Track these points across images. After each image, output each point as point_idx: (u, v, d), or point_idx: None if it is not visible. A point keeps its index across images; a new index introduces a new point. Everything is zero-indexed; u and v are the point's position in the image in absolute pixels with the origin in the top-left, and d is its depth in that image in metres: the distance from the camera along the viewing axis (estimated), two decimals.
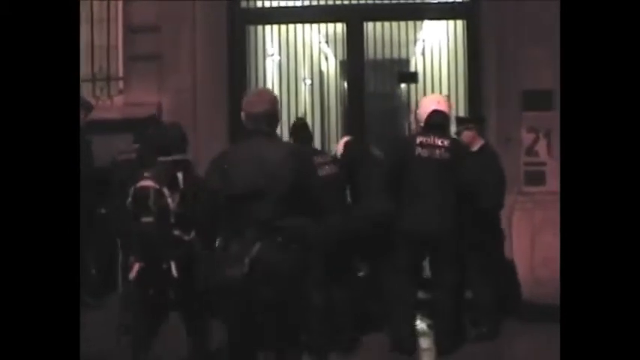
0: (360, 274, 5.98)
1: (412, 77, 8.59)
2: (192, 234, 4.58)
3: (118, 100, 8.05)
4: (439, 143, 5.70)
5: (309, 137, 6.45)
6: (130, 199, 4.60)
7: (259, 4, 8.35)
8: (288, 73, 8.42)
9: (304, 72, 9.24)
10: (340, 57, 9.81)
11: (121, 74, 8.12)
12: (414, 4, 8.27)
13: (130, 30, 7.95)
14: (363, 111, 8.23)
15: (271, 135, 4.15)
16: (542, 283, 6.70)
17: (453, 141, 5.94)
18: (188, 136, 6.78)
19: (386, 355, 5.68)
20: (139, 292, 4.61)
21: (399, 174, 5.71)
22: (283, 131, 5.89)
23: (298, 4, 8.49)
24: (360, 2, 8.24)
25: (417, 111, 6.10)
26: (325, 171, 5.65)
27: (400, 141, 6.66)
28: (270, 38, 8.78)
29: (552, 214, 6.76)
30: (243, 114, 4.16)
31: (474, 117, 7.12)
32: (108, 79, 8.10)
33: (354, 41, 8.17)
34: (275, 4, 8.41)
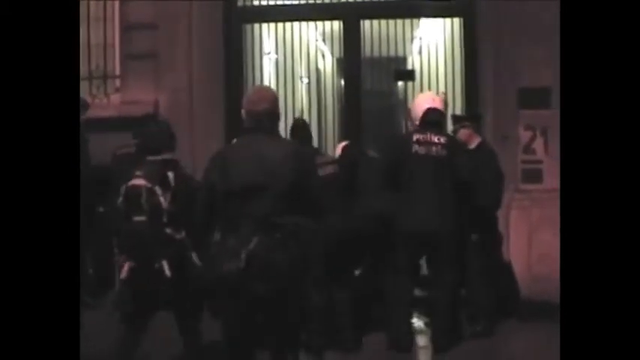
0: (357, 272, 5.97)
1: (409, 75, 8.59)
2: (183, 233, 4.57)
3: (115, 98, 8.04)
4: (436, 140, 5.70)
5: (309, 137, 6.45)
6: (121, 198, 4.58)
7: (256, 2, 8.34)
8: (285, 71, 8.42)
9: (301, 70, 9.24)
10: (337, 55, 9.82)
11: (117, 72, 8.11)
12: (411, 1, 8.24)
13: (126, 28, 7.94)
14: (360, 109, 8.24)
15: (272, 133, 4.15)
16: (540, 281, 6.71)
17: (450, 138, 5.95)
18: (181, 135, 6.84)
19: (383, 353, 5.68)
20: (130, 291, 4.59)
21: (396, 172, 5.71)
22: (280, 129, 5.87)
23: (295, 2, 8.47)
24: (357, 0, 8.24)
25: (412, 109, 6.10)
26: (325, 171, 5.65)
27: (397, 139, 6.67)
28: (267, 36, 8.77)
29: (549, 211, 6.78)
30: (243, 112, 4.15)
31: (470, 115, 7.12)
32: (104, 77, 8.09)
33: (351, 39, 8.17)
34: (272, 2, 8.41)
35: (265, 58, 8.85)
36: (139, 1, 7.87)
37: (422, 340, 5.96)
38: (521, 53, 7.38)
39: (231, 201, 3.93)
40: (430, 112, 5.82)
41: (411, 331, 5.89)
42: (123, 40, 8.03)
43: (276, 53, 8.87)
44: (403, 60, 10.33)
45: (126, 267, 4.53)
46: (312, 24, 8.90)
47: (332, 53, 11.05)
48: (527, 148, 7.52)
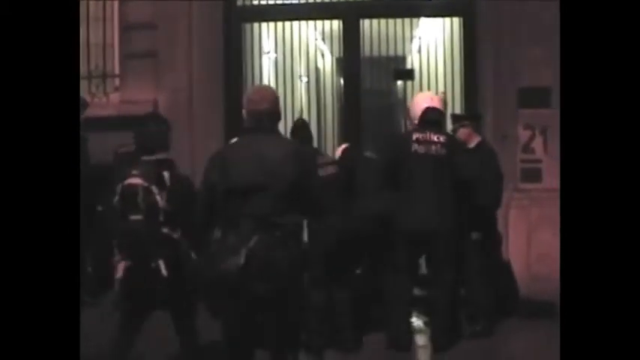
0: (357, 271, 5.97)
1: (408, 74, 8.59)
2: (179, 232, 4.56)
3: (114, 97, 8.04)
4: (435, 139, 5.70)
5: (309, 137, 6.45)
6: (117, 197, 4.56)
7: (255, 1, 8.34)
8: (284, 70, 8.42)
9: (300, 69, 9.24)
10: (336, 54, 9.82)
11: (116, 72, 8.11)
12: (411, 1, 8.25)
13: (125, 28, 7.94)
14: (360, 108, 8.24)
15: (273, 132, 4.16)
16: (539, 280, 6.71)
17: (449, 137, 5.95)
18: (181, 134, 6.85)
19: (383, 352, 5.68)
20: (126, 291, 4.58)
21: (396, 171, 5.71)
22: (279, 129, 5.88)
23: (294, 1, 8.47)
24: None
25: (411, 109, 6.10)
26: (326, 171, 5.66)
27: (396, 138, 6.67)
28: (267, 35, 8.77)
29: (548, 211, 6.78)
30: (244, 111, 4.15)
31: (470, 114, 7.12)
32: (104, 76, 8.10)
33: (351, 38, 8.16)
34: (271, 1, 8.40)
35: (265, 58, 8.85)
36: (138, 0, 7.86)
37: (421, 340, 5.97)
38: (521, 53, 7.38)
39: (232, 200, 3.93)
40: (429, 111, 5.82)
41: (410, 331, 5.90)
42: (122, 40, 8.03)
43: (276, 52, 8.87)
44: (403, 59, 10.32)
45: (122, 266, 4.52)
46: (311, 23, 8.90)
47: (331, 52, 11.04)
48: (527, 148, 7.52)
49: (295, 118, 7.92)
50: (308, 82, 9.58)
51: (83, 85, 7.66)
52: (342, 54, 8.42)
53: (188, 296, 4.64)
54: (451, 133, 6.25)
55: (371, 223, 5.65)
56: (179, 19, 7.79)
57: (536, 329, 5.84)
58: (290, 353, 4.06)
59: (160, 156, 4.67)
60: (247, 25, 8.38)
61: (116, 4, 8.04)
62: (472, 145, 6.27)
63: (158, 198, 4.50)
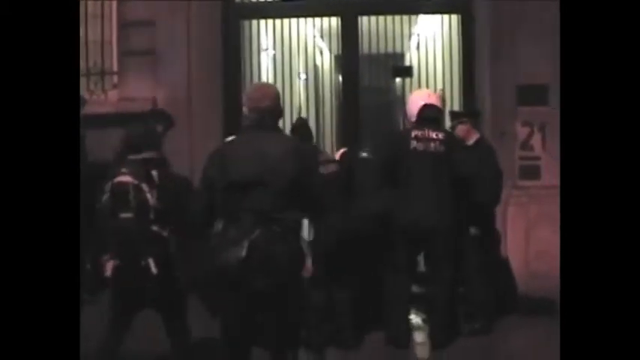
0: (358, 269, 5.92)
1: (407, 71, 8.58)
2: (169, 231, 4.55)
3: (112, 94, 8.04)
4: (434, 136, 5.70)
5: (310, 136, 6.44)
6: (107, 195, 4.55)
7: None
8: (282, 67, 8.41)
9: (299, 66, 9.22)
10: (335, 51, 9.81)
11: (115, 69, 8.11)
12: None
13: (124, 25, 7.93)
14: (358, 105, 8.24)
15: (274, 129, 4.16)
16: (538, 277, 6.72)
17: (448, 134, 5.95)
18: (179, 131, 6.85)
19: (382, 349, 5.68)
20: (116, 290, 4.57)
21: (395, 169, 5.71)
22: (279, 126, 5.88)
23: None
24: None
25: (407, 106, 6.09)
26: (327, 169, 5.66)
27: (395, 135, 6.67)
28: (265, 33, 8.76)
29: (547, 208, 6.79)
30: (245, 108, 4.16)
31: (469, 111, 7.12)
32: (102, 73, 8.09)
33: (349, 35, 8.16)
34: None
35: (263, 55, 8.84)
36: None
37: (419, 337, 5.97)
38: (519, 50, 7.38)
39: (231, 195, 3.93)
40: (426, 108, 5.82)
41: (409, 328, 5.89)
42: (120, 37, 8.02)
43: (274, 50, 8.86)
44: (401, 56, 10.30)
45: (111, 265, 4.50)
46: (309, 20, 8.89)
47: (330, 50, 11.04)
48: (525, 145, 7.52)
49: (294, 116, 7.94)
50: (306, 79, 9.56)
51: (81, 82, 7.64)
52: (340, 51, 8.42)
53: (178, 295, 4.64)
54: (449, 130, 6.24)
55: (371, 222, 5.65)
56: (177, 17, 7.77)
57: (534, 326, 5.85)
58: (289, 351, 4.05)
59: (147, 155, 4.66)
60: (246, 23, 8.37)
61: (114, 2, 8.03)
62: (471, 142, 6.27)
63: (148, 196, 4.48)
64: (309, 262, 4.62)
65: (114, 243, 4.53)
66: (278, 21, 8.35)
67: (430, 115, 5.81)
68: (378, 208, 5.67)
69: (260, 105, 4.09)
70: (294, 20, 8.33)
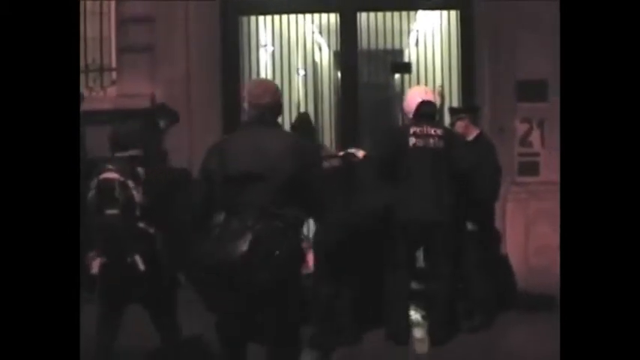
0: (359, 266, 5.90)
1: (406, 67, 8.57)
2: (155, 228, 4.54)
3: (111, 91, 8.04)
4: (432, 132, 5.70)
5: (312, 131, 6.44)
6: (93, 192, 4.53)
7: None
8: (281, 63, 8.39)
9: (298, 62, 9.22)
10: (334, 47, 9.79)
11: (113, 65, 8.10)
12: None
13: (122, 21, 7.92)
14: (357, 101, 8.23)
15: (275, 125, 4.16)
16: (537, 273, 6.73)
17: (446, 130, 5.96)
18: (178, 127, 6.83)
19: (381, 345, 5.69)
20: (103, 287, 4.55)
21: (394, 165, 5.70)
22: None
23: None
24: None
25: (404, 103, 6.09)
26: (331, 163, 5.67)
27: (393, 132, 6.66)
28: (264, 29, 8.75)
29: (546, 204, 6.80)
30: (245, 104, 4.15)
31: (468, 107, 7.12)
32: (101, 70, 8.09)
33: (348, 32, 8.15)
34: None
35: (262, 51, 8.83)
36: None
37: (419, 333, 5.97)
38: (518, 46, 7.39)
39: (231, 189, 3.92)
40: (424, 104, 5.82)
41: (409, 324, 5.89)
42: (119, 33, 8.01)
43: (273, 46, 8.85)
44: (400, 52, 10.30)
45: (97, 263, 4.49)
46: (308, 16, 8.87)
47: (329, 46, 11.02)
48: (524, 141, 7.53)
49: (293, 112, 7.94)
50: (305, 75, 9.56)
51: (80, 79, 7.64)
52: (339, 47, 8.41)
53: (166, 291, 4.64)
54: (448, 126, 6.24)
55: (370, 218, 5.65)
56: (176, 13, 7.77)
57: (534, 322, 5.86)
58: (288, 348, 4.03)
59: (134, 152, 4.66)
60: (244, 19, 8.36)
61: None
62: (470, 137, 6.26)
63: (134, 192, 4.47)
64: (310, 258, 4.62)
65: (100, 240, 4.51)
66: (277, 17, 8.34)
67: (428, 111, 5.81)
68: (378, 204, 5.67)
69: (261, 101, 4.09)
70: (292, 16, 8.31)
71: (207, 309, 4.06)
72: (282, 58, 8.39)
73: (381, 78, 10.10)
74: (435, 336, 5.73)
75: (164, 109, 7.05)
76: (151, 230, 4.51)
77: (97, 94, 7.95)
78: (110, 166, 4.53)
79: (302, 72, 9.57)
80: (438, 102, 8.03)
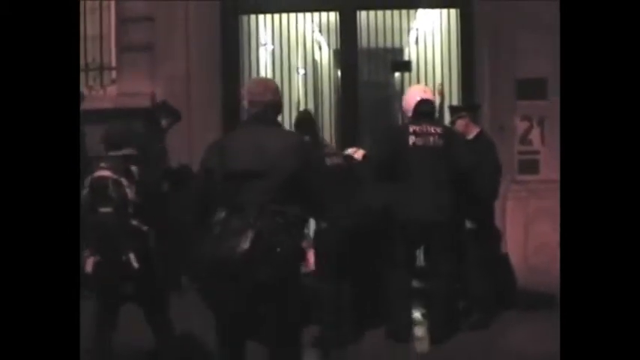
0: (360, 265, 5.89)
1: (406, 66, 8.57)
2: (148, 226, 4.55)
3: (111, 90, 8.04)
4: (432, 131, 5.70)
5: (315, 130, 6.44)
6: (86, 190, 4.53)
7: None
8: (281, 62, 8.39)
9: (298, 61, 9.22)
10: (334, 46, 9.80)
11: (113, 64, 8.10)
12: None
13: (122, 20, 7.92)
14: (357, 100, 8.23)
15: (275, 124, 4.17)
16: (537, 272, 6.73)
17: (446, 128, 5.97)
18: (178, 125, 6.85)
19: (382, 343, 5.69)
20: (97, 286, 4.55)
21: (394, 164, 5.70)
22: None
23: None
24: None
25: (403, 102, 6.09)
26: (332, 161, 5.68)
27: (393, 131, 6.66)
28: (264, 27, 8.75)
29: (546, 202, 6.80)
30: (246, 102, 4.15)
31: (468, 105, 7.11)
32: (101, 68, 8.09)
33: (348, 30, 8.15)
34: None
35: (262, 49, 8.83)
36: None
37: (419, 331, 5.98)
38: (518, 44, 7.38)
39: (232, 187, 3.92)
40: (422, 103, 5.83)
41: (410, 323, 5.89)
42: (119, 32, 8.01)
43: (273, 44, 8.84)
44: (400, 51, 10.29)
45: (91, 261, 4.49)
46: (308, 15, 8.86)
47: (328, 44, 11.02)
48: (524, 139, 7.53)
49: (293, 110, 7.94)
50: (305, 74, 9.55)
51: (80, 77, 7.65)
52: (339, 46, 8.41)
53: (160, 289, 4.64)
54: (448, 125, 6.24)
55: (371, 216, 5.65)
56: (176, 11, 7.77)
57: (533, 321, 5.86)
58: (289, 349, 4.02)
59: (127, 151, 4.67)
60: (244, 17, 8.35)
61: None
62: (471, 136, 6.25)
63: (127, 190, 4.49)
64: (310, 256, 4.61)
65: (93, 238, 4.51)
66: (277, 16, 8.33)
67: (426, 109, 5.82)
68: (379, 203, 5.67)
69: (262, 99, 4.09)
70: (292, 15, 8.31)
71: (209, 307, 4.06)
72: (282, 57, 8.39)
73: (381, 76, 10.09)
74: (435, 334, 5.73)
75: (166, 108, 7.06)
76: (145, 228, 4.52)
77: (97, 93, 7.95)
78: (103, 164, 4.54)
79: (302, 71, 9.56)
80: (437, 100, 8.06)
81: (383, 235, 5.69)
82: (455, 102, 7.71)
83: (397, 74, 9.39)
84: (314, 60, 10.72)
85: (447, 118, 6.73)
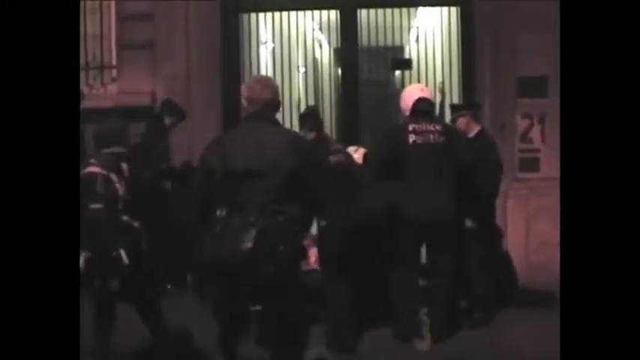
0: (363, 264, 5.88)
1: (406, 64, 8.58)
2: (139, 222, 4.55)
3: (112, 88, 8.05)
4: (432, 128, 5.69)
5: (319, 124, 6.44)
6: None
7: None
8: (282, 60, 8.40)
9: (298, 59, 9.22)
10: (334, 44, 9.81)
11: (114, 63, 8.10)
12: None
13: (123, 18, 7.92)
14: (357, 98, 8.24)
15: (274, 122, 4.17)
16: (537, 269, 6.73)
17: (446, 126, 5.96)
18: (170, 125, 6.86)
19: (381, 341, 5.68)
20: (90, 283, 4.54)
21: (395, 163, 5.69)
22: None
23: None
24: None
25: (401, 102, 6.06)
26: (337, 157, 5.68)
27: (393, 130, 6.65)
28: (264, 26, 8.76)
29: (547, 200, 6.80)
30: (245, 100, 4.15)
31: (468, 103, 7.11)
32: (101, 67, 8.09)
33: (348, 28, 8.16)
34: None
35: (262, 48, 8.84)
36: None
37: (421, 330, 5.95)
38: (519, 42, 7.38)
39: (232, 185, 3.92)
40: (420, 101, 5.81)
41: (420, 324, 5.84)
42: (119, 31, 8.01)
43: (273, 43, 8.85)
44: (400, 49, 10.31)
45: (82, 257, 4.48)
46: (309, 13, 8.88)
47: (329, 42, 11.03)
48: (525, 137, 7.53)
49: (295, 109, 7.96)
50: (306, 72, 9.57)
51: (81, 76, 7.65)
52: (339, 44, 8.42)
53: (152, 286, 4.64)
54: (447, 122, 6.23)
55: (374, 215, 5.64)
56: (176, 10, 7.77)
57: (534, 318, 5.85)
58: (290, 349, 4.01)
59: (117, 149, 4.68)
60: (245, 16, 8.36)
61: None
62: (472, 134, 6.24)
63: (117, 186, 4.49)
64: (312, 254, 4.62)
65: (84, 235, 4.50)
66: (277, 14, 8.34)
67: (425, 108, 5.80)
68: (381, 202, 5.66)
69: (262, 96, 4.10)
70: (293, 13, 8.32)
71: (209, 305, 4.06)
72: (282, 55, 8.40)
73: (382, 75, 10.09)
74: (436, 333, 5.72)
75: (170, 106, 7.07)
76: (135, 224, 4.52)
77: (98, 92, 7.96)
78: (93, 161, 4.54)
79: (302, 69, 9.57)
80: (438, 99, 8.07)
81: (387, 234, 5.68)
82: (456, 100, 7.71)
83: (398, 72, 9.40)
84: (314, 58, 10.74)
85: (448, 117, 6.72)
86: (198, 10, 7.84)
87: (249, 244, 3.75)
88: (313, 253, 5.94)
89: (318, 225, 5.58)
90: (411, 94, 5.94)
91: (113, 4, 8.06)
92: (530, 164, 7.50)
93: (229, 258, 3.78)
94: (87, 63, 7.95)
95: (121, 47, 8.00)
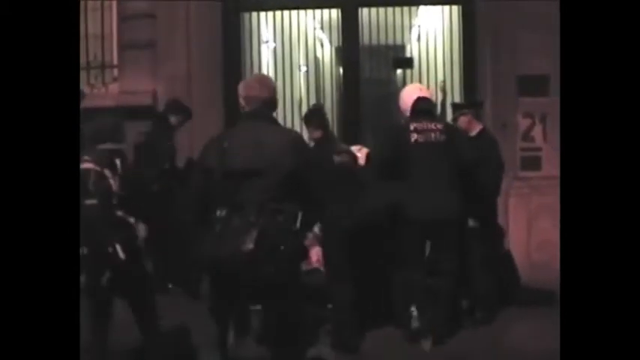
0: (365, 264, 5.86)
1: (407, 63, 8.58)
2: (134, 218, 4.55)
3: (113, 88, 8.06)
4: (433, 127, 5.68)
5: (325, 123, 6.42)
6: None
7: None
8: (283, 59, 8.41)
9: (299, 58, 9.22)
10: (335, 43, 9.81)
11: (115, 62, 8.11)
12: None
13: (124, 18, 7.93)
14: (359, 97, 8.24)
15: (272, 120, 4.17)
16: (539, 268, 6.72)
17: (447, 124, 5.96)
18: (176, 124, 6.86)
19: (381, 340, 5.68)
20: (86, 280, 4.53)
21: (397, 163, 5.69)
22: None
23: None
24: None
25: (400, 102, 6.05)
26: (342, 158, 5.67)
27: (394, 130, 6.64)
28: (265, 25, 8.75)
29: (548, 199, 6.80)
30: (243, 98, 4.16)
31: (469, 102, 7.11)
32: (102, 67, 8.10)
33: (349, 27, 8.15)
34: None
35: (263, 47, 8.84)
36: None
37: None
38: (520, 41, 7.38)
39: (231, 185, 3.91)
40: (420, 101, 5.80)
41: (426, 324, 5.82)
42: (120, 30, 8.02)
43: (275, 42, 8.85)
44: (402, 48, 10.30)
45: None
46: (310, 12, 8.89)
47: (330, 42, 11.03)
48: (526, 136, 7.53)
49: (296, 108, 7.96)
50: (307, 71, 9.57)
51: (82, 75, 7.66)
52: (341, 43, 8.41)
53: (147, 282, 4.64)
54: (449, 121, 6.22)
55: (377, 215, 5.63)
56: (177, 9, 7.78)
57: (535, 317, 5.84)
58: (290, 348, 4.01)
59: (111, 146, 4.68)
60: (246, 15, 8.36)
61: None
62: (473, 133, 6.23)
63: (111, 182, 4.49)
64: (314, 254, 4.62)
65: (80, 231, 4.51)
66: (278, 13, 8.34)
67: (424, 107, 5.79)
68: (384, 202, 5.65)
69: (261, 95, 4.10)
70: (294, 12, 8.33)
71: (209, 304, 4.06)
72: (283, 55, 8.40)
73: (383, 73, 10.10)
74: (438, 332, 5.72)
75: (177, 105, 7.06)
76: (130, 219, 4.52)
77: (99, 91, 7.97)
78: (87, 157, 4.55)
79: (304, 68, 9.57)
80: (440, 97, 8.07)
81: (389, 234, 5.68)
82: (457, 99, 7.71)
83: (399, 71, 9.40)
84: (316, 57, 10.75)
85: (450, 116, 6.72)
86: (199, 10, 7.85)
87: (250, 246, 3.75)
88: (315, 253, 5.94)
89: (322, 225, 5.59)
90: (409, 94, 5.94)
91: (114, 3, 8.08)
92: (532, 163, 7.49)
93: (229, 258, 3.78)
94: (88, 62, 7.96)
95: (123, 47, 8.01)
